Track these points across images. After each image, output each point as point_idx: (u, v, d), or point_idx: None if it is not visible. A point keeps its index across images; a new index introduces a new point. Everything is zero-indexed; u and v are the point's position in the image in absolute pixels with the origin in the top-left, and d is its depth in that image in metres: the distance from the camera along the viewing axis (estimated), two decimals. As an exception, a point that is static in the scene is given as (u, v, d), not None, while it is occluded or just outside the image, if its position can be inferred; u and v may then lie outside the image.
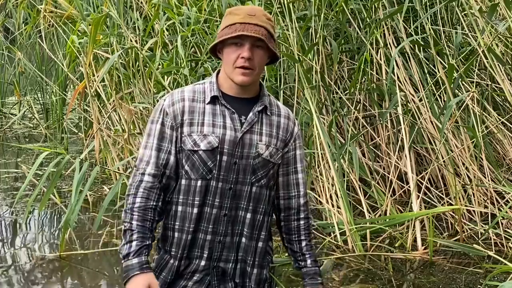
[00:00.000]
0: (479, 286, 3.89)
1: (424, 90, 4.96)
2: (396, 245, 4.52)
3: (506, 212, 4.50)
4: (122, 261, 2.02)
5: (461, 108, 4.91)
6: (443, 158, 4.82)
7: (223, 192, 2.08)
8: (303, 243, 2.22)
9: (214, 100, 2.09)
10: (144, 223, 2.02)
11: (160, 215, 2.11)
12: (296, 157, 2.20)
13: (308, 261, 2.21)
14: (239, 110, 2.08)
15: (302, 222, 2.24)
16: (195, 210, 2.08)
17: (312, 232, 2.29)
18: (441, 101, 5.09)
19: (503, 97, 5.29)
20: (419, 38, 5.04)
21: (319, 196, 4.90)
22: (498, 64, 4.76)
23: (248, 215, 2.11)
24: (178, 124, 2.08)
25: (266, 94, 2.17)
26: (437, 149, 4.87)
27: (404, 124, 4.79)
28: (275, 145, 2.12)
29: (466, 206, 4.70)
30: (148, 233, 2.03)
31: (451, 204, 4.76)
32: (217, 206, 2.08)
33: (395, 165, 5.03)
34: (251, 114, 2.09)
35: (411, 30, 5.09)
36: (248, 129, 2.09)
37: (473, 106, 4.84)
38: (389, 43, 5.19)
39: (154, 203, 2.05)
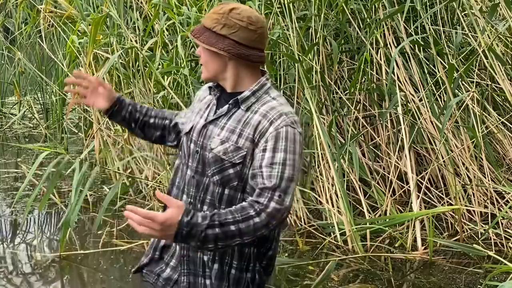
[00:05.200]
0: (479, 286, 3.89)
1: (424, 90, 4.96)
2: (396, 245, 4.52)
3: (506, 212, 4.50)
4: None
5: (461, 108, 4.91)
6: (443, 158, 4.82)
7: (189, 179, 2.08)
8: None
9: (210, 90, 2.16)
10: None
11: (146, 125, 2.37)
12: (263, 161, 1.91)
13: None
14: (222, 102, 2.08)
15: (246, 203, 1.89)
16: (170, 188, 2.17)
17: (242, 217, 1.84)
18: (441, 101, 5.09)
19: (503, 97, 5.29)
20: (419, 38, 5.04)
21: (319, 196, 4.90)
22: (498, 64, 4.76)
23: (206, 209, 2.03)
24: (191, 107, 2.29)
25: (257, 92, 2.03)
26: (437, 149, 4.87)
27: (404, 124, 4.79)
28: (234, 142, 1.97)
29: (466, 206, 4.70)
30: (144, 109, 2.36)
31: (451, 204, 4.76)
32: (185, 192, 2.08)
33: (395, 165, 5.03)
34: (225, 106, 2.05)
35: (411, 30, 5.09)
36: (212, 120, 2.05)
37: (473, 106, 4.84)
38: (389, 43, 5.19)
39: (162, 117, 2.37)
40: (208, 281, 2.03)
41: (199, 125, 2.09)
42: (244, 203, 1.87)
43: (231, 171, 1.98)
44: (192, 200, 2.06)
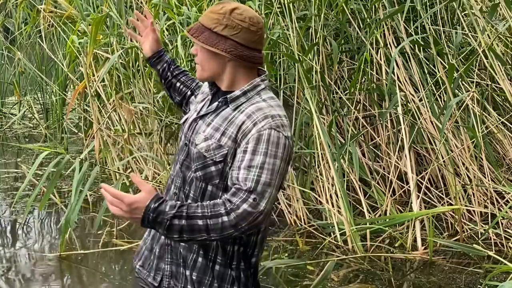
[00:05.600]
0: (479, 286, 3.89)
1: (424, 90, 4.96)
2: (396, 245, 4.52)
3: (506, 212, 4.50)
4: None
5: (461, 108, 4.92)
6: (443, 158, 4.82)
7: (177, 171, 2.08)
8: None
9: (209, 84, 2.14)
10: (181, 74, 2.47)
11: (172, 86, 2.46)
12: (242, 163, 1.87)
13: None
14: (216, 99, 2.06)
15: (219, 200, 1.87)
16: (170, 176, 2.17)
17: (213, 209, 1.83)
18: (441, 101, 5.09)
19: (503, 97, 5.29)
20: (419, 38, 5.04)
21: (319, 196, 4.90)
22: (498, 64, 4.76)
23: (190, 203, 1.99)
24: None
25: (249, 92, 2.00)
26: (437, 149, 4.87)
27: (404, 124, 4.79)
28: (217, 140, 1.95)
29: (466, 206, 4.70)
30: (174, 68, 2.46)
31: (451, 204, 4.76)
32: (174, 182, 2.09)
33: (395, 165, 5.03)
34: (215, 103, 2.04)
35: (411, 30, 5.09)
36: (202, 116, 2.05)
37: (473, 106, 4.84)
38: (389, 43, 5.19)
39: (181, 83, 2.44)
40: (188, 272, 2.02)
41: (191, 118, 2.10)
42: (217, 200, 1.86)
43: (213, 168, 1.96)
44: (177, 191, 2.06)
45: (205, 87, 2.19)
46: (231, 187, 1.88)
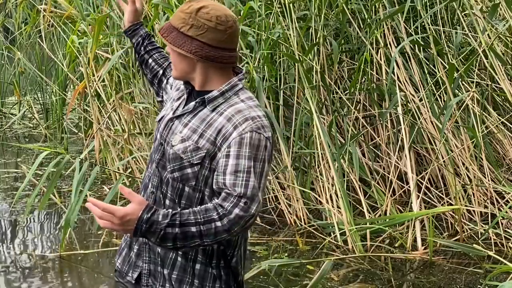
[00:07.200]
0: (479, 286, 3.89)
1: (424, 90, 4.96)
2: (396, 245, 4.52)
3: (506, 212, 4.50)
4: None
5: (461, 108, 4.92)
6: (443, 158, 4.82)
7: (153, 169, 2.06)
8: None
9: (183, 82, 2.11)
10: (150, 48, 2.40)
11: (144, 62, 2.39)
12: (227, 168, 1.85)
13: None
14: (191, 99, 2.03)
15: (210, 205, 1.86)
16: (144, 173, 2.15)
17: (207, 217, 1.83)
18: (441, 101, 5.09)
19: (503, 97, 5.29)
20: (419, 38, 5.04)
21: (319, 196, 4.90)
22: (498, 64, 4.77)
23: (168, 203, 2.00)
24: (168, 92, 2.28)
25: (227, 93, 1.97)
26: (437, 149, 4.87)
27: (404, 124, 4.79)
28: (195, 142, 1.92)
29: (466, 206, 4.71)
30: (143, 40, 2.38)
31: (451, 204, 4.76)
32: (150, 179, 2.07)
33: (395, 165, 5.03)
34: (192, 103, 1.99)
35: (411, 30, 5.09)
36: (178, 116, 2.01)
37: (473, 106, 4.84)
38: (389, 43, 5.20)
39: (150, 58, 2.37)
40: (166, 271, 2.01)
41: (167, 117, 2.05)
42: (208, 205, 1.85)
43: (189, 170, 1.94)
44: (154, 190, 2.04)
45: (180, 83, 2.14)
46: (218, 192, 1.88)
